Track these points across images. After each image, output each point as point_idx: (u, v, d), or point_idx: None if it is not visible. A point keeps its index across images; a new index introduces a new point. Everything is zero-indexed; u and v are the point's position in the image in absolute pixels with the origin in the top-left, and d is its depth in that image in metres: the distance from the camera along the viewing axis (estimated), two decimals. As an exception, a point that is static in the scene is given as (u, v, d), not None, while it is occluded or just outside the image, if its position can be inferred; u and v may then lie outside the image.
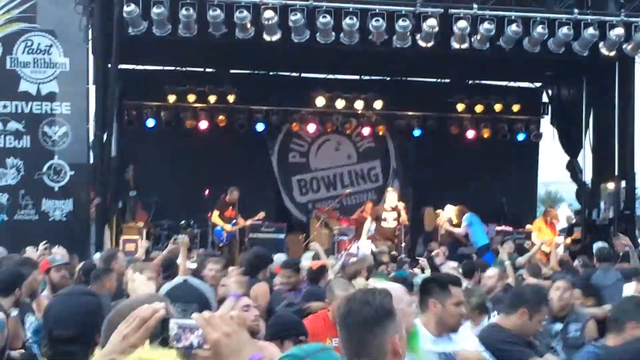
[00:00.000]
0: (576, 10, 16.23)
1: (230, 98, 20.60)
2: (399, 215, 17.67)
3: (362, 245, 17.07)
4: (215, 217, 17.84)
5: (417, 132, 21.37)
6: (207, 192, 18.69)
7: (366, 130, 21.46)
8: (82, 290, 4.04)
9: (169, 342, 2.47)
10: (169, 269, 10.00)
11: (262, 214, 18.05)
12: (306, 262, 11.42)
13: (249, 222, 17.87)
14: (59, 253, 9.79)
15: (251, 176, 19.78)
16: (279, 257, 11.80)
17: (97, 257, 11.45)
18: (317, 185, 21.89)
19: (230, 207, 17.82)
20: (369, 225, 17.98)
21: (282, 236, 18.18)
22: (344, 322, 3.26)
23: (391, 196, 18.02)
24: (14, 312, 6.86)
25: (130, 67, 19.84)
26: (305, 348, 2.72)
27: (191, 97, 20.53)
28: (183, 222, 18.18)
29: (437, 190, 19.19)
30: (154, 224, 18.33)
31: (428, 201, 19.39)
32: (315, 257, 12.26)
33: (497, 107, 21.38)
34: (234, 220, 17.72)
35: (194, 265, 10.28)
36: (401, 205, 17.91)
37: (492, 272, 9.92)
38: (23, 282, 7.34)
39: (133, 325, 2.57)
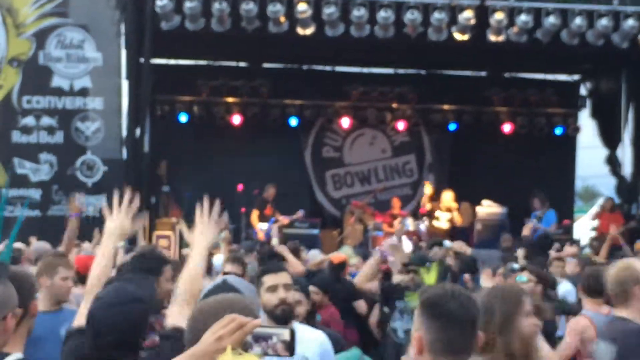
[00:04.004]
0: (615, 1, 15.92)
1: (264, 92, 20.49)
2: (453, 217, 17.72)
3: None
4: (254, 217, 17.76)
5: (452, 126, 21.14)
6: (240, 187, 18.59)
7: (401, 125, 21.25)
8: (128, 297, 3.91)
9: (244, 349, 2.55)
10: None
11: (300, 213, 17.95)
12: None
13: (287, 219, 17.76)
14: (86, 249, 9.67)
15: (284, 171, 19.66)
16: (314, 254, 11.65)
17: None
18: (351, 180, 21.72)
19: (269, 205, 17.73)
20: (406, 221, 17.86)
21: (316, 232, 18.04)
22: (454, 318, 3.16)
23: (447, 196, 17.98)
24: None
25: (163, 61, 19.78)
26: None
27: (224, 92, 20.44)
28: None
29: (473, 185, 18.95)
30: (186, 220, 18.20)
31: (464, 196, 19.14)
32: (356, 252, 12.14)
33: (535, 100, 21.09)
34: (273, 218, 17.62)
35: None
36: (454, 206, 17.93)
37: None
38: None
39: (229, 328, 2.61)
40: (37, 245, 10.04)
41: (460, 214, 18.88)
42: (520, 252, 12.74)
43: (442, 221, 17.90)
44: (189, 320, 3.04)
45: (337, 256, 10.72)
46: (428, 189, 18.90)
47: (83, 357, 3.94)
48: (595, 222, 19.05)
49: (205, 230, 4.57)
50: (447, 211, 17.92)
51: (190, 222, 15.13)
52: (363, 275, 9.84)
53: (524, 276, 8.03)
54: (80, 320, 4.27)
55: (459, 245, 13.18)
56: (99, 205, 15.32)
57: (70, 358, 4.12)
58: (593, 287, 7.83)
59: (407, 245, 15.72)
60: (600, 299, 7.65)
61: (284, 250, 10.03)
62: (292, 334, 2.58)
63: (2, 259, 8.30)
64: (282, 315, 4.96)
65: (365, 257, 12.12)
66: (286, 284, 5.14)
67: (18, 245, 9.55)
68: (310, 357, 4.92)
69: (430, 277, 6.63)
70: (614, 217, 18.65)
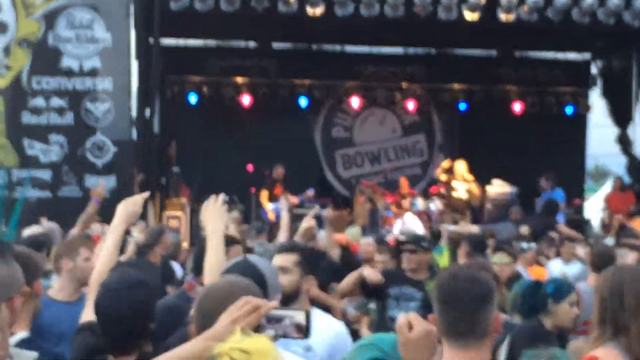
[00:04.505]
0: (627, -21, 15.85)
1: (273, 72, 20.47)
2: (471, 188, 17.68)
3: (407, 220, 16.88)
4: (263, 197, 17.76)
5: (462, 106, 21.09)
6: (250, 167, 18.59)
7: (411, 104, 21.22)
8: (132, 282, 3.89)
9: (258, 331, 2.61)
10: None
11: (310, 192, 17.93)
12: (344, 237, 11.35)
13: (297, 199, 17.74)
14: (96, 230, 9.64)
15: (294, 151, 19.65)
16: (324, 234, 11.61)
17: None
18: (362, 160, 21.72)
19: (278, 185, 17.74)
20: (415, 201, 17.84)
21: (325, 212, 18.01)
22: (452, 299, 3.17)
23: (460, 166, 17.92)
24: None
25: (173, 42, 19.75)
26: (384, 347, 2.69)
27: (233, 72, 20.42)
28: (226, 198, 18.04)
29: (483, 164, 18.89)
30: (197, 200, 18.24)
31: (474, 175, 19.09)
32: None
33: (545, 79, 21.04)
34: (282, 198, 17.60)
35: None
36: (470, 178, 17.87)
37: None
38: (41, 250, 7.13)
39: (244, 310, 2.68)
40: (46, 226, 10.03)
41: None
42: (524, 229, 12.73)
43: (461, 191, 17.81)
44: (197, 302, 3.06)
45: (341, 237, 10.69)
46: (446, 162, 18.75)
47: (93, 349, 3.95)
48: (606, 203, 18.99)
49: (214, 216, 4.47)
50: (463, 181, 17.84)
51: (200, 202, 15.18)
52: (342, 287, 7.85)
53: (505, 258, 7.89)
54: (87, 314, 4.24)
55: (464, 226, 13.14)
56: (109, 186, 15.38)
57: (80, 353, 4.10)
58: (599, 263, 7.92)
59: (418, 226, 15.72)
60: None
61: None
62: (307, 316, 2.58)
63: (7, 239, 8.30)
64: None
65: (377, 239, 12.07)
66: (283, 267, 4.84)
67: (37, 228, 9.52)
68: (315, 347, 4.67)
69: (443, 259, 6.45)
70: (626, 197, 18.63)
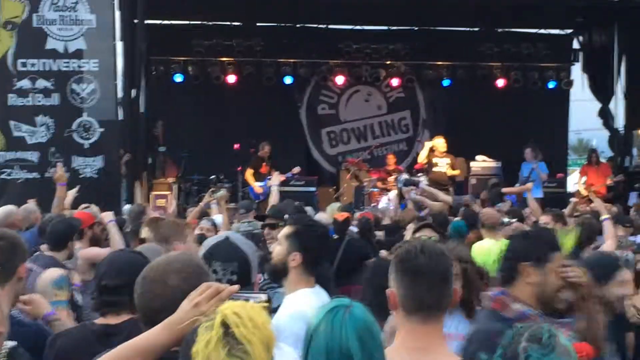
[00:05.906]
0: (607, -46, 15.95)
1: (258, 51, 20.49)
2: (452, 162, 17.83)
3: (392, 197, 17.03)
4: (248, 175, 17.83)
5: (446, 82, 21.18)
6: (236, 146, 18.67)
7: (395, 81, 21.30)
8: (132, 250, 4.19)
9: None
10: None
11: (297, 169, 18.02)
12: (325, 214, 11.49)
13: (284, 176, 17.82)
14: (95, 212, 9.70)
15: (280, 129, 19.74)
16: (309, 211, 11.76)
17: (126, 209, 11.56)
18: (347, 137, 21.83)
19: (264, 163, 17.82)
20: (401, 177, 17.98)
21: (312, 189, 18.14)
22: (422, 273, 3.17)
23: (440, 142, 18.02)
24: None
25: (157, 22, 19.77)
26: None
27: (218, 51, 20.44)
28: (213, 176, 18.17)
29: (467, 140, 19.05)
30: (184, 179, 18.36)
31: (459, 151, 19.22)
32: (343, 208, 12.20)
33: (527, 55, 21.13)
34: (270, 176, 17.69)
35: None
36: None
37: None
38: (74, 235, 7.19)
39: (206, 295, 2.69)
40: (25, 207, 9.98)
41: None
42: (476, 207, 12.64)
43: (442, 166, 17.93)
44: (137, 283, 3.00)
45: (341, 214, 10.79)
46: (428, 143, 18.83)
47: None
48: (584, 177, 19.09)
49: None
50: (443, 157, 17.96)
51: (187, 181, 15.15)
52: None
53: (433, 235, 7.13)
54: None
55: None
56: (97, 167, 15.47)
57: None
58: None
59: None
60: None
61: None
62: (269, 299, 2.62)
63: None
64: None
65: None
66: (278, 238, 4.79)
67: (11, 207, 9.53)
68: None
69: (568, 239, 5.70)
70: (601, 170, 18.80)
